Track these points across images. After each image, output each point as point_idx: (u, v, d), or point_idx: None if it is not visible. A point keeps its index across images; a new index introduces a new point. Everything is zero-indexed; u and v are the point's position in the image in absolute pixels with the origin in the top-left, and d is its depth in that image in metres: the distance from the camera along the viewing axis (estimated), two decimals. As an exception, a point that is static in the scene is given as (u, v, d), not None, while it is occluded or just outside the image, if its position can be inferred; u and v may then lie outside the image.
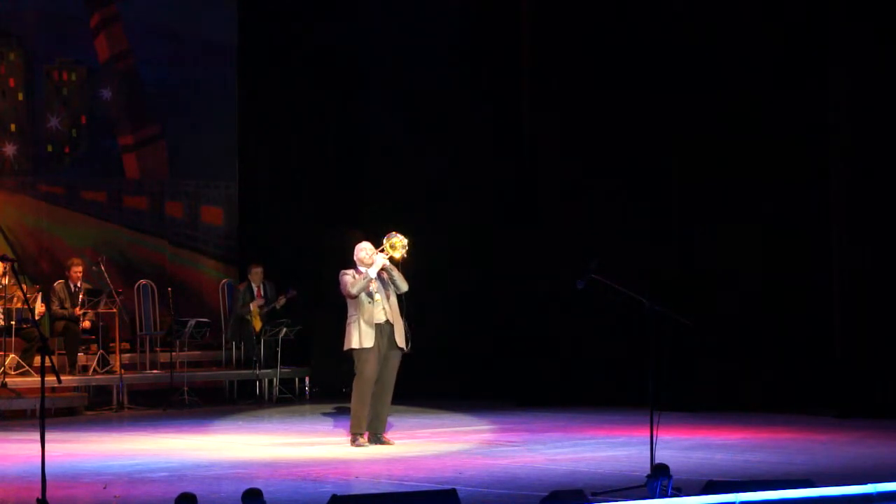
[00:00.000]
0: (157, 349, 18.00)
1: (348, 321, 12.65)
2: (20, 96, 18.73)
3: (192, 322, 17.39)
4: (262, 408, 16.95)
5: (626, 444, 12.47)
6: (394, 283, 12.56)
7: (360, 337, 12.55)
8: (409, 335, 12.67)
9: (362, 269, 12.57)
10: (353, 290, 12.53)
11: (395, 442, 12.68)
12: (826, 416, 14.43)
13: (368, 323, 12.53)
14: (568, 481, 10.04)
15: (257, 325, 17.83)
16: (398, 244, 12.57)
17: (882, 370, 14.57)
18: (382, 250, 12.61)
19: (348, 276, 12.57)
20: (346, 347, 12.71)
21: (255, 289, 18.01)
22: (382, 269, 12.53)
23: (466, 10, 17.80)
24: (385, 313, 12.58)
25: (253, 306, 17.85)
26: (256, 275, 18.02)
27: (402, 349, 12.60)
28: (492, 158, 17.53)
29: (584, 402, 15.74)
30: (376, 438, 12.59)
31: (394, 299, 12.61)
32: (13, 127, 18.65)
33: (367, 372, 12.56)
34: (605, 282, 10.42)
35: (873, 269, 14.71)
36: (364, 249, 12.63)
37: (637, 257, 15.62)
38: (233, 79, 19.52)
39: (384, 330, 12.59)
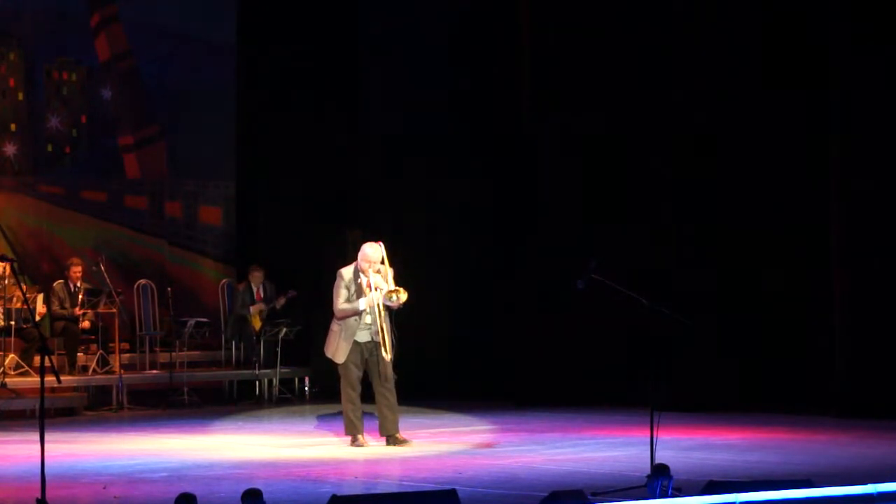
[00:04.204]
0: (157, 349, 18.00)
1: (331, 327, 12.63)
2: (20, 96, 18.73)
3: (192, 322, 17.40)
4: (262, 408, 16.96)
5: (626, 444, 12.46)
6: (390, 301, 12.47)
7: (336, 350, 12.55)
8: (396, 353, 12.61)
9: (358, 285, 12.47)
10: (338, 313, 12.50)
11: (413, 441, 12.67)
12: (826, 416, 14.43)
13: (348, 340, 12.48)
14: (568, 481, 10.04)
15: (257, 324, 17.84)
16: (401, 294, 12.41)
17: (882, 370, 14.56)
18: (379, 271, 12.47)
19: (343, 283, 12.44)
20: (324, 351, 12.75)
21: (255, 290, 18.02)
22: (377, 287, 12.44)
23: (467, 11, 17.77)
24: (370, 334, 12.52)
25: (254, 309, 17.85)
26: (257, 278, 18.03)
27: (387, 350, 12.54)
28: (492, 157, 17.53)
29: (584, 402, 15.73)
30: (393, 440, 12.55)
31: (386, 318, 12.47)
32: (13, 127, 18.64)
33: (348, 377, 12.55)
34: (605, 282, 10.42)
35: (874, 269, 14.71)
36: (368, 260, 12.42)
37: (636, 258, 15.62)
38: (233, 79, 19.52)
39: (365, 347, 12.55)
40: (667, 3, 16.07)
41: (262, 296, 18.01)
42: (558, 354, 16.37)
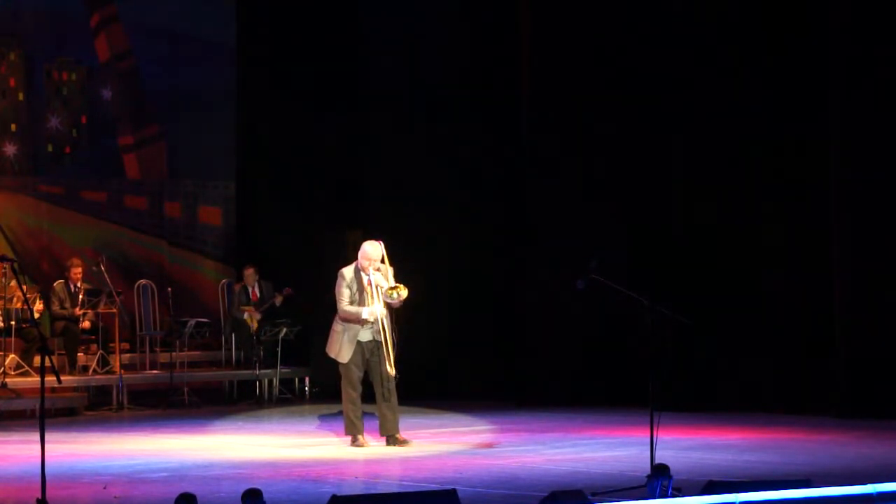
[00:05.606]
0: (157, 349, 18.00)
1: (333, 326, 12.62)
2: (20, 96, 18.73)
3: (192, 322, 17.39)
4: (262, 408, 16.96)
5: (626, 444, 12.46)
6: (391, 298, 12.46)
7: (340, 350, 12.55)
8: (396, 354, 12.61)
9: (359, 283, 12.46)
10: (342, 314, 12.48)
11: (413, 441, 12.67)
12: (826, 416, 14.43)
13: (352, 340, 12.49)
14: (568, 481, 10.04)
15: (254, 325, 17.82)
16: (401, 291, 12.40)
17: (882, 370, 14.56)
18: (379, 269, 12.45)
19: (344, 283, 12.43)
20: (327, 350, 12.76)
21: (250, 289, 18.02)
22: (378, 285, 12.43)
23: (467, 15, 17.77)
24: (372, 333, 12.52)
25: (248, 313, 17.81)
26: (250, 276, 18.04)
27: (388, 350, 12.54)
28: (491, 159, 17.53)
29: (584, 402, 15.74)
30: (393, 440, 12.55)
31: (387, 318, 12.51)
32: (13, 127, 18.64)
33: (349, 377, 12.56)
34: (605, 282, 10.42)
35: (874, 268, 14.70)
36: (369, 258, 12.40)
37: (637, 257, 15.63)
38: (233, 79, 19.52)
39: (367, 347, 12.56)
40: (667, 3, 16.09)
41: (258, 296, 18.00)
42: (558, 354, 16.36)
